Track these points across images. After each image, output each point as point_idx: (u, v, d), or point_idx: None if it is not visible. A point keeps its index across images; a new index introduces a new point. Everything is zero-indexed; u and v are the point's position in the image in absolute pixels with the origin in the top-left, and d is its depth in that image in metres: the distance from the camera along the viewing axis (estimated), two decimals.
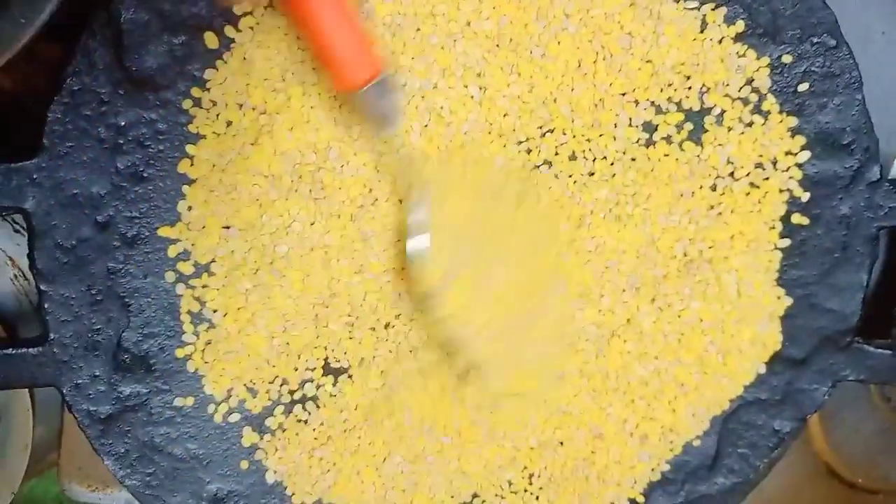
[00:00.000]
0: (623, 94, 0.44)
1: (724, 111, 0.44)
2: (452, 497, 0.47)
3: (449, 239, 0.42)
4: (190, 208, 0.42)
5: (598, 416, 0.47)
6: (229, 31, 0.41)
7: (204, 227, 0.43)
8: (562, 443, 0.47)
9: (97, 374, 0.43)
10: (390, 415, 0.45)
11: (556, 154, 0.44)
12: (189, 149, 0.42)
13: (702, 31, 0.43)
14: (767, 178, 0.45)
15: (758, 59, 0.44)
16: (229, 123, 0.42)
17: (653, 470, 0.48)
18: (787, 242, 0.46)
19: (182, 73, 0.41)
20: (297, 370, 0.45)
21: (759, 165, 0.45)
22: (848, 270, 0.46)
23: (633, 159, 0.44)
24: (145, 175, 0.42)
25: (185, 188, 0.42)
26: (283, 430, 0.45)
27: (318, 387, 0.45)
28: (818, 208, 0.45)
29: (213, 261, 0.43)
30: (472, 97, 0.43)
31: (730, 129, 0.44)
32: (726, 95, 0.44)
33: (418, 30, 0.42)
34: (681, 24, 0.43)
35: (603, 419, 0.47)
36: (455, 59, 0.42)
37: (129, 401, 0.44)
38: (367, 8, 0.41)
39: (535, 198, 0.44)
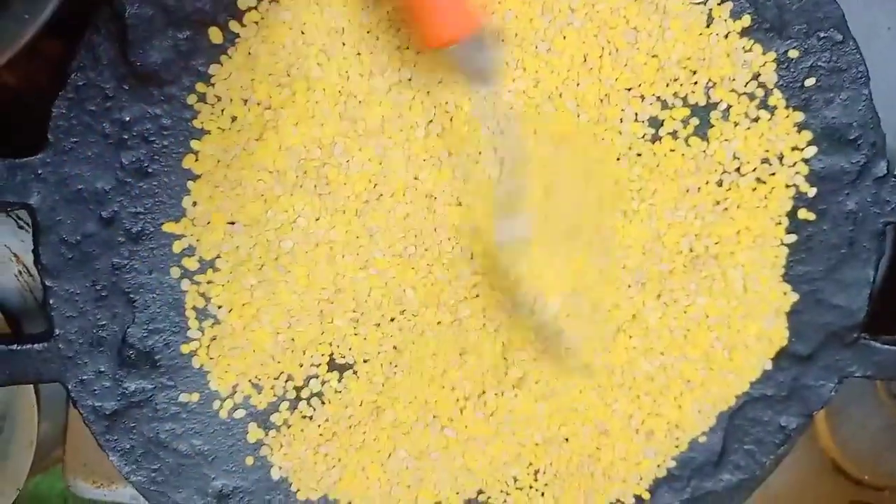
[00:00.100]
0: (629, 89, 0.43)
1: (731, 106, 0.44)
2: (457, 493, 0.47)
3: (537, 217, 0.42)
4: (195, 204, 0.42)
5: (604, 412, 0.46)
6: (234, 26, 0.41)
7: (209, 223, 0.43)
8: (567, 439, 0.47)
9: (102, 369, 0.43)
10: (391, 406, 0.45)
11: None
12: (194, 144, 0.42)
13: (708, 26, 0.43)
14: (774, 174, 0.45)
15: (764, 53, 0.44)
16: (234, 119, 0.42)
17: (658, 466, 0.48)
18: (793, 238, 0.45)
19: (186, 69, 0.41)
20: (302, 366, 0.45)
21: (765, 161, 0.45)
22: (854, 266, 0.46)
23: (639, 154, 0.44)
24: (150, 170, 0.42)
25: (189, 184, 0.42)
26: (289, 426, 0.45)
27: (323, 383, 0.45)
28: (824, 204, 0.45)
29: (217, 256, 0.43)
30: (477, 92, 0.43)
31: (736, 124, 0.44)
32: (732, 90, 0.44)
33: None
34: (687, 18, 0.43)
35: (608, 415, 0.47)
36: None
37: (135, 397, 0.44)
38: (371, 1, 0.41)
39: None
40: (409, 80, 0.42)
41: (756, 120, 0.44)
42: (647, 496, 0.48)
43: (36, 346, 0.43)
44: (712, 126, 0.44)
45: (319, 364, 0.45)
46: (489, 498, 0.47)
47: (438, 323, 0.45)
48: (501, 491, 0.47)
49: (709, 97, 0.44)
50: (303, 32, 0.41)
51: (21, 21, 0.37)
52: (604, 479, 0.48)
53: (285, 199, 0.43)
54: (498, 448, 0.47)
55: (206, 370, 0.44)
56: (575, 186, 0.43)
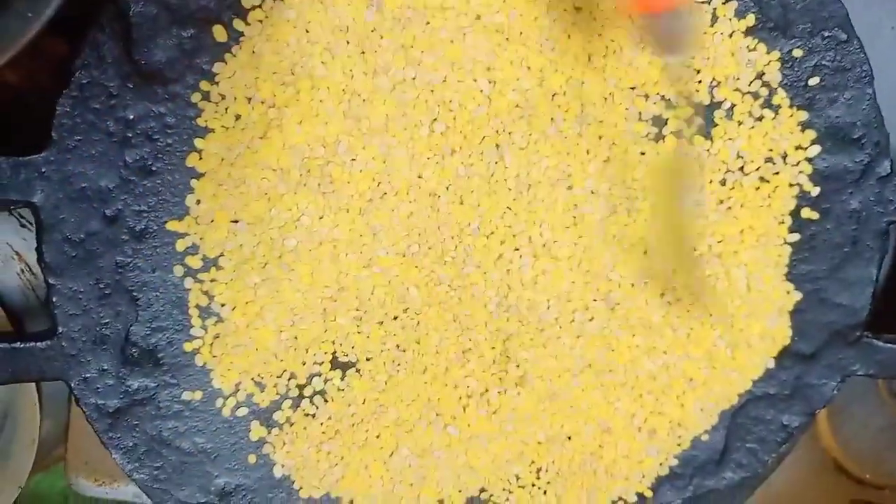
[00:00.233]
0: (633, 88, 0.43)
1: (734, 105, 0.44)
2: (460, 491, 0.47)
3: None
4: (198, 202, 0.42)
5: (607, 410, 0.47)
6: (238, 24, 0.41)
7: (212, 221, 0.43)
8: (570, 437, 0.47)
9: (105, 367, 0.43)
10: (394, 404, 0.45)
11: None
12: (198, 142, 0.42)
13: (712, 25, 0.43)
14: (777, 173, 0.45)
15: (768, 53, 0.44)
16: (238, 117, 0.42)
17: (661, 464, 0.48)
18: (796, 237, 0.45)
19: (191, 67, 0.41)
20: (305, 364, 0.45)
21: (768, 160, 0.45)
22: (857, 265, 0.46)
23: (643, 153, 0.44)
24: (154, 169, 0.42)
25: (193, 182, 0.42)
26: (291, 424, 0.45)
27: (325, 381, 0.45)
28: (828, 203, 0.45)
29: (221, 255, 0.43)
30: (481, 91, 0.43)
31: (740, 123, 0.44)
32: (736, 89, 0.44)
33: (428, 23, 0.42)
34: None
35: (611, 413, 0.47)
36: (464, 52, 0.42)
37: (138, 395, 0.44)
38: (377, 0, 0.41)
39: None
40: (413, 78, 0.42)
41: (760, 119, 0.44)
42: (649, 494, 0.48)
43: (39, 344, 0.43)
44: (716, 125, 0.44)
45: (322, 362, 0.45)
46: (491, 496, 0.47)
47: (441, 321, 0.45)
48: (504, 489, 0.47)
49: (713, 96, 0.44)
50: (307, 31, 0.41)
51: (23, 19, 0.36)
52: (606, 477, 0.48)
53: (289, 197, 0.43)
54: (500, 446, 0.47)
55: (209, 368, 0.44)
56: None
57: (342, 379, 0.45)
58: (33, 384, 0.51)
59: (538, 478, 0.47)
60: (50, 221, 0.41)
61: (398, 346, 0.45)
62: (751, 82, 0.44)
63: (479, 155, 0.43)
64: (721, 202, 0.45)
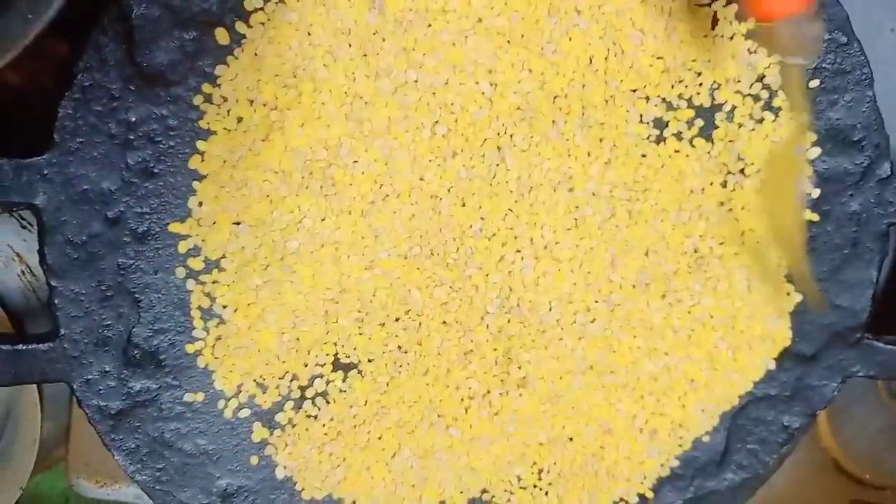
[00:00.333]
0: (634, 91, 0.44)
1: (735, 107, 0.44)
2: (462, 492, 0.47)
3: None
4: (200, 204, 0.42)
5: (608, 411, 0.47)
6: (240, 26, 0.41)
7: (214, 223, 0.43)
8: (571, 438, 0.47)
9: (107, 369, 0.43)
10: (396, 405, 0.45)
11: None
12: (200, 145, 0.42)
13: (713, 28, 0.43)
14: None
15: (769, 55, 0.44)
16: (240, 119, 0.42)
17: (662, 465, 0.48)
18: None
19: (193, 69, 0.41)
20: (306, 366, 0.45)
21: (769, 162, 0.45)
22: (858, 267, 0.46)
23: (644, 155, 0.44)
24: (156, 171, 0.42)
25: (195, 184, 0.42)
26: (293, 426, 0.45)
27: (327, 382, 0.45)
28: (828, 205, 0.45)
29: (223, 256, 0.43)
30: (482, 93, 0.43)
31: (740, 125, 0.44)
32: (737, 92, 0.44)
33: (430, 26, 0.42)
34: (692, 20, 0.43)
35: (612, 415, 0.47)
36: (466, 55, 0.42)
37: (140, 396, 0.44)
38: (379, 3, 0.41)
39: None
40: (415, 81, 0.42)
41: (760, 121, 0.44)
42: (650, 495, 0.48)
43: (41, 345, 0.43)
44: (717, 127, 0.44)
45: (324, 364, 0.45)
46: (493, 497, 0.47)
47: (443, 322, 0.45)
48: (505, 490, 0.47)
49: (714, 98, 0.44)
50: (309, 33, 0.41)
51: (25, 20, 0.37)
52: (607, 479, 0.48)
53: (291, 199, 0.43)
54: (502, 447, 0.47)
55: (211, 370, 0.44)
56: None
57: (344, 380, 0.45)
58: (35, 385, 0.51)
59: (540, 479, 0.47)
60: (52, 223, 0.41)
61: (400, 348, 0.45)
62: (751, 85, 0.44)
63: (480, 157, 0.43)
64: (722, 204, 0.45)
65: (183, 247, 0.43)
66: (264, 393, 0.45)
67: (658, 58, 0.43)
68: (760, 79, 0.44)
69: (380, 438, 0.46)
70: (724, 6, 0.43)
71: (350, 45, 0.41)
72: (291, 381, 0.45)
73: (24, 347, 0.43)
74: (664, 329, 0.46)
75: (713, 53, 0.43)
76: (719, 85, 0.44)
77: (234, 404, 0.45)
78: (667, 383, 0.46)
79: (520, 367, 0.46)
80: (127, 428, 0.44)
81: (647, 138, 0.44)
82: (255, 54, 0.41)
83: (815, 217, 0.45)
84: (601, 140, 0.44)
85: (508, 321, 0.45)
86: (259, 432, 0.45)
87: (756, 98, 0.44)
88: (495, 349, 0.46)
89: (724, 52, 0.43)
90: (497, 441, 0.46)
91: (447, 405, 0.46)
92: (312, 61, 0.41)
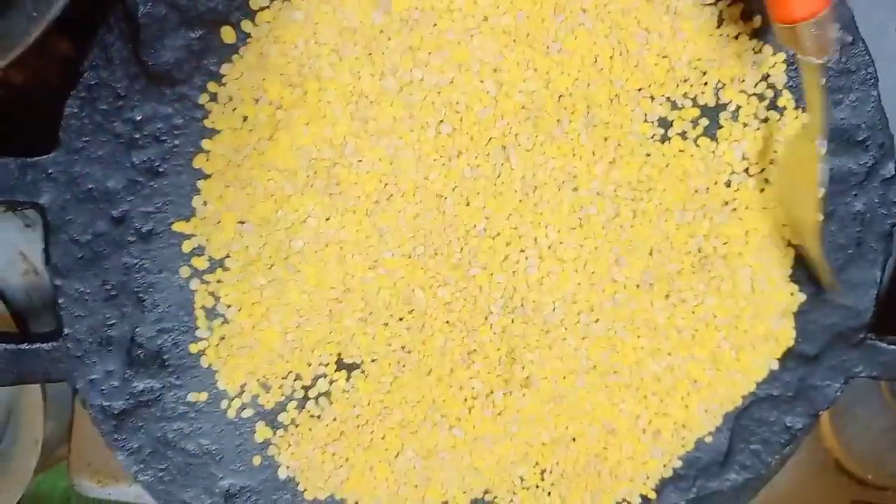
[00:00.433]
0: (639, 90, 0.44)
1: (740, 107, 0.44)
2: (465, 493, 0.47)
3: None
4: (205, 203, 0.42)
5: (611, 411, 0.47)
6: (246, 25, 0.41)
7: (219, 223, 0.43)
8: (574, 439, 0.47)
9: (111, 369, 0.43)
10: (399, 405, 0.45)
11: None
12: (205, 143, 0.42)
13: (718, 27, 0.43)
14: None
15: (774, 54, 0.44)
16: (245, 118, 0.42)
17: (665, 466, 0.48)
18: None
19: (198, 68, 0.41)
20: (310, 365, 0.45)
21: (773, 162, 0.45)
22: (861, 267, 0.46)
23: (648, 155, 0.44)
24: (161, 170, 0.42)
25: (200, 183, 0.42)
26: (296, 426, 0.45)
27: (331, 382, 0.45)
28: (832, 205, 0.45)
29: (227, 256, 0.43)
30: (487, 92, 0.43)
31: (745, 125, 0.44)
32: (742, 91, 0.44)
33: (435, 25, 0.42)
34: (698, 19, 0.43)
35: (615, 415, 0.47)
36: (471, 54, 0.42)
37: (143, 396, 0.44)
38: (385, 2, 0.41)
39: None
40: (421, 80, 0.42)
41: (765, 121, 0.44)
42: (653, 496, 0.48)
43: (44, 345, 0.43)
44: (721, 127, 0.44)
45: (328, 363, 0.45)
46: (496, 497, 0.47)
47: (447, 322, 0.45)
48: (508, 490, 0.47)
49: (718, 98, 0.44)
50: (315, 32, 0.41)
51: (30, 18, 0.37)
52: (610, 479, 0.48)
53: (296, 198, 0.43)
54: (505, 447, 0.47)
55: (215, 369, 0.44)
56: None
57: (347, 380, 0.45)
58: (37, 385, 0.51)
59: (543, 479, 0.47)
60: (57, 223, 0.41)
61: (403, 348, 0.45)
62: (756, 84, 0.44)
63: (485, 156, 0.43)
64: (726, 204, 0.45)
65: (187, 246, 0.43)
66: (267, 393, 0.45)
67: (663, 57, 0.43)
68: (765, 78, 0.44)
69: (383, 438, 0.46)
70: (729, 5, 0.43)
71: (355, 44, 0.41)
72: (295, 380, 0.45)
73: (28, 347, 0.43)
74: (668, 329, 0.46)
75: (718, 53, 0.43)
76: (724, 84, 0.44)
77: (237, 404, 0.45)
78: (670, 383, 0.46)
79: (523, 367, 0.46)
80: (130, 428, 0.44)
81: (652, 137, 0.44)
82: (261, 53, 0.41)
83: (820, 217, 0.45)
84: (606, 139, 0.44)
85: (512, 321, 0.45)
86: (262, 432, 0.45)
87: (761, 97, 0.44)
88: (499, 349, 0.45)
89: (729, 52, 0.43)
90: (500, 441, 0.46)
91: (450, 405, 0.46)
92: (318, 60, 0.41)
